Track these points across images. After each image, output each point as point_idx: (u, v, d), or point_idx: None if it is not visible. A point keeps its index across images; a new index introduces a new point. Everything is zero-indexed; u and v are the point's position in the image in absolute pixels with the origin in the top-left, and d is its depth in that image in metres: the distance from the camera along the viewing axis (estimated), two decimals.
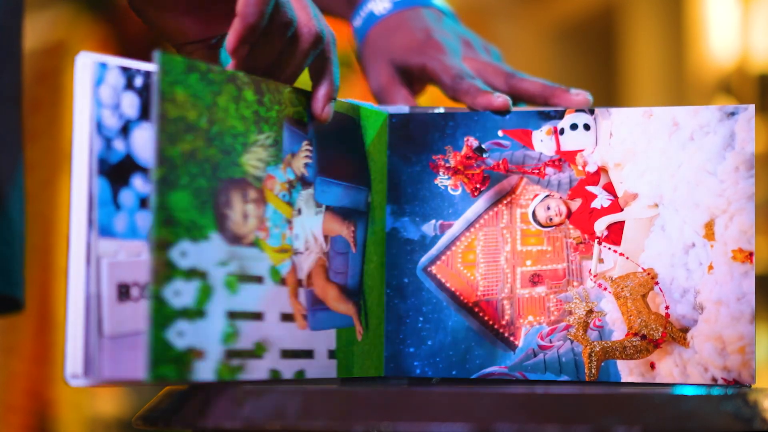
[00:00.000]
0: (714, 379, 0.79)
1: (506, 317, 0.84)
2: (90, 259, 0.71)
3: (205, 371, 0.70)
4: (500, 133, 0.85)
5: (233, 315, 0.72)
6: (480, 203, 0.85)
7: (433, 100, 0.96)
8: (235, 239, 0.73)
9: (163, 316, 0.68)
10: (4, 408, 2.67)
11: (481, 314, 0.84)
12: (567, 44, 4.34)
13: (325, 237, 0.80)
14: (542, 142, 0.85)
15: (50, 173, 2.70)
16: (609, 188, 0.83)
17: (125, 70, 0.73)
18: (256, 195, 0.74)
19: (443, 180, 0.85)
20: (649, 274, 0.81)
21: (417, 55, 0.94)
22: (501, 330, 0.84)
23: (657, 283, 0.81)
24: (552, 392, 0.68)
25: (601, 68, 4.23)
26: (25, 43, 0.97)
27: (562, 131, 0.85)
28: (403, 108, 0.87)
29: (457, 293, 0.84)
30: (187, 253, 0.69)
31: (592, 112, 0.85)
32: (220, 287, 0.71)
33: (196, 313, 0.70)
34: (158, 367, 0.67)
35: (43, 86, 2.71)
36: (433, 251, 0.85)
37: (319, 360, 0.78)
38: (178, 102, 0.69)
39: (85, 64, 0.71)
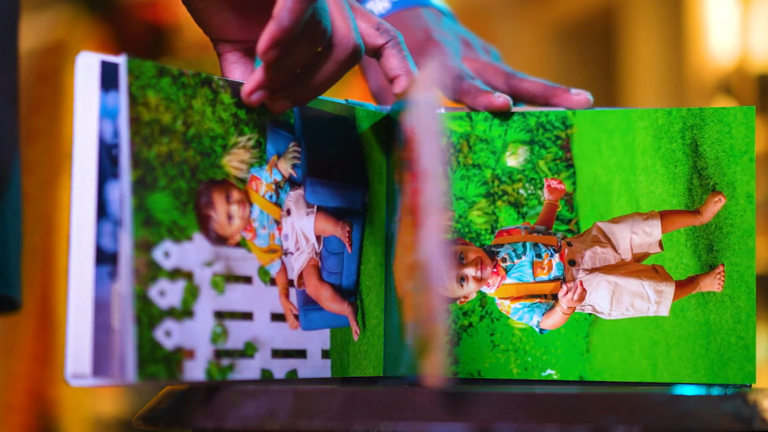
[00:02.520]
0: None
1: None
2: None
3: (195, 371, 0.71)
4: None
5: (221, 315, 0.73)
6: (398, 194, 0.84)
7: None
8: (220, 240, 0.74)
9: (150, 315, 0.69)
10: (4, 408, 2.67)
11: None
12: (567, 44, 4.34)
13: (318, 237, 0.80)
14: None
15: (50, 173, 2.70)
16: None
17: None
18: (239, 196, 0.75)
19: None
20: None
21: (416, 56, 0.94)
22: None
23: None
24: (552, 392, 0.68)
25: (601, 68, 4.23)
26: (25, 43, 0.97)
27: None
28: None
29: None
30: (170, 253, 0.71)
31: None
32: (206, 287, 0.73)
33: (183, 313, 0.71)
34: (147, 366, 0.68)
35: (43, 86, 2.71)
36: (392, 248, 0.85)
37: (312, 360, 0.79)
38: (151, 105, 0.71)
39: (86, 64, 0.72)
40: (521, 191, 0.86)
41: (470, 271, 0.84)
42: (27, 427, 2.68)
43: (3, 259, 0.93)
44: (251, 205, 0.76)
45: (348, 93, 2.97)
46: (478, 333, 0.85)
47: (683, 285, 0.83)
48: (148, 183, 0.70)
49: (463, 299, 0.84)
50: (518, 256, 0.84)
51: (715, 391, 0.70)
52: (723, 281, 0.82)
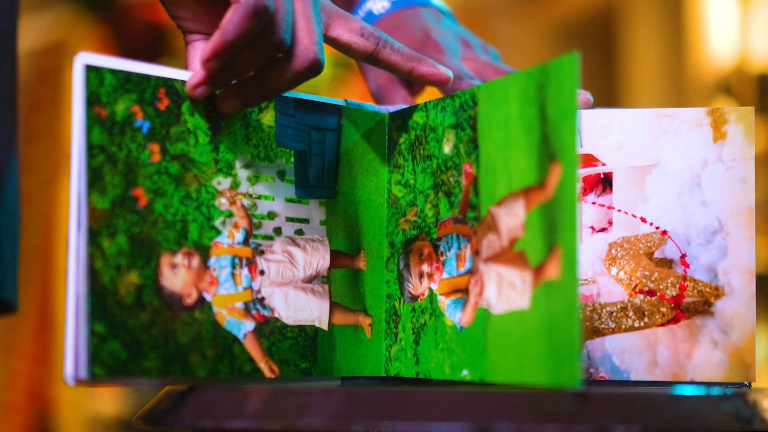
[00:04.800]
0: None
1: None
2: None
3: None
4: None
5: None
6: None
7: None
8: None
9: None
10: (4, 408, 2.67)
11: None
12: (567, 44, 4.34)
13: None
14: None
15: (50, 173, 2.70)
16: None
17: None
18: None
19: None
20: None
21: None
22: None
23: None
24: (552, 392, 0.68)
25: (601, 68, 4.23)
26: (25, 43, 0.97)
27: None
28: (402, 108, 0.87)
29: None
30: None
31: None
32: None
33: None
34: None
35: (43, 86, 2.71)
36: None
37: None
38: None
39: (84, 64, 0.72)
40: (451, 179, 0.79)
41: (425, 268, 0.81)
42: (27, 427, 2.68)
43: None
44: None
45: (348, 93, 2.97)
46: (428, 332, 0.80)
47: (536, 272, 0.71)
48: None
49: (421, 297, 0.80)
50: (449, 249, 0.79)
51: (715, 391, 0.70)
52: (560, 265, 0.69)
